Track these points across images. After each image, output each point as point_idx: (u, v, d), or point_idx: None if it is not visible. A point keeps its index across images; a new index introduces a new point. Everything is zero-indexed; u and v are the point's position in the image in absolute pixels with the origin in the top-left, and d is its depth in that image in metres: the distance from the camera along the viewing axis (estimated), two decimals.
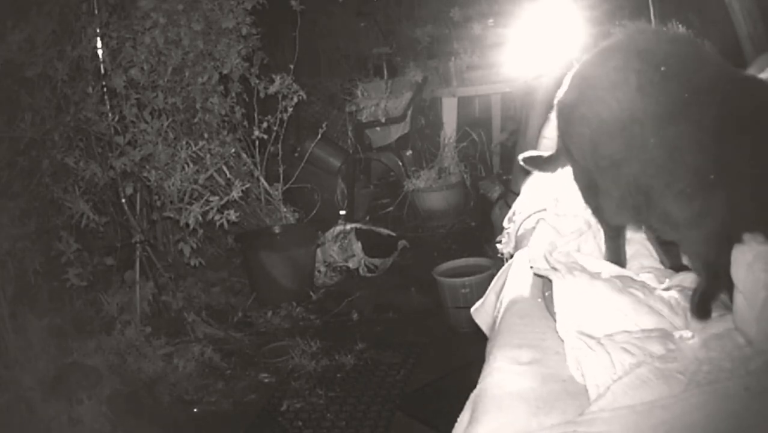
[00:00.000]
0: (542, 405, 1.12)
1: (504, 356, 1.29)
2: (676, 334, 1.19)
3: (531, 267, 1.49)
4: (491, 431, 1.09)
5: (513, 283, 1.64)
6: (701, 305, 1.26)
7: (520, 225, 1.96)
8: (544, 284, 1.48)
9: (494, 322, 1.58)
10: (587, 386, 1.12)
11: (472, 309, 1.82)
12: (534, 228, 1.74)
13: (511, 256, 1.89)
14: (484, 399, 1.17)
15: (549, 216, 1.67)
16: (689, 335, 1.18)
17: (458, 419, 1.21)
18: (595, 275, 1.35)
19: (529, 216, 1.93)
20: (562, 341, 1.23)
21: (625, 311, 1.26)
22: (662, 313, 1.27)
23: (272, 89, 4.19)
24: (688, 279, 1.38)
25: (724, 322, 1.20)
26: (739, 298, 1.16)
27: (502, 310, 1.55)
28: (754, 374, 1.06)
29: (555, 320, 1.30)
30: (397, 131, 5.53)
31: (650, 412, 1.01)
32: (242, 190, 3.80)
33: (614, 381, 1.08)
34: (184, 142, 3.67)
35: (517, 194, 2.32)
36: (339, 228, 4.50)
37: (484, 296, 1.80)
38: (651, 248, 1.58)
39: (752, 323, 1.13)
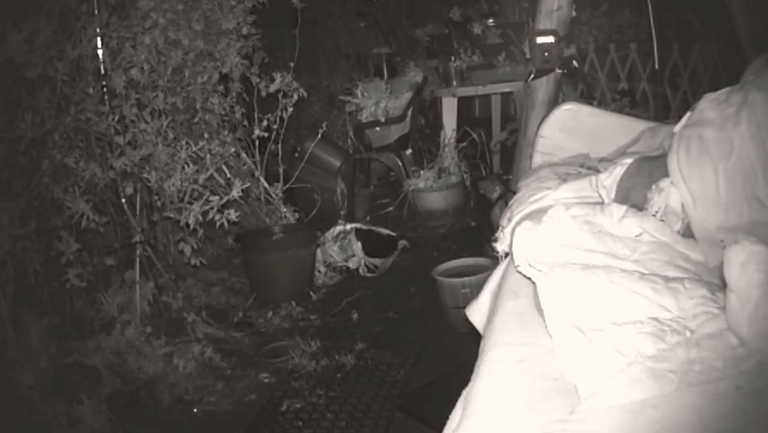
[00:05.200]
0: (533, 403, 1.13)
1: (496, 354, 1.30)
2: (668, 332, 1.19)
3: (516, 266, 1.50)
4: (482, 429, 1.10)
5: (507, 281, 1.64)
6: None
7: (515, 224, 1.97)
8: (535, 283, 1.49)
9: (488, 320, 1.58)
10: (578, 385, 1.12)
11: (467, 308, 1.83)
12: None
13: (506, 254, 1.89)
14: (475, 397, 1.18)
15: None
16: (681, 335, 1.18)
17: (450, 416, 1.21)
18: (585, 267, 1.35)
19: (525, 215, 1.93)
20: (552, 338, 1.24)
21: (610, 300, 1.26)
22: (648, 296, 1.28)
23: (273, 88, 4.19)
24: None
25: (717, 322, 1.21)
26: (732, 298, 1.16)
27: (495, 309, 1.56)
28: (745, 374, 1.07)
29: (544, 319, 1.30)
30: (397, 131, 5.53)
31: (641, 411, 1.01)
32: (242, 190, 3.80)
33: (605, 380, 1.08)
34: (184, 142, 3.67)
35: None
36: (339, 228, 4.50)
37: (479, 295, 1.81)
38: None
39: (744, 323, 1.13)
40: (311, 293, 4.08)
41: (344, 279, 4.35)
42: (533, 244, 1.52)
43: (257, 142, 4.34)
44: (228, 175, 4.01)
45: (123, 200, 3.59)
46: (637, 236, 1.63)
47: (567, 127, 2.81)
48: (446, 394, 2.83)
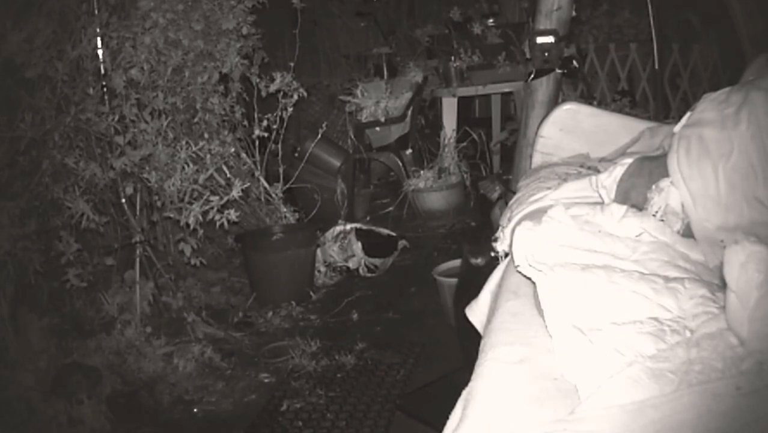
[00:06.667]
0: (533, 403, 1.13)
1: (496, 353, 1.30)
2: (668, 332, 1.19)
3: (516, 266, 1.51)
4: (482, 429, 1.10)
5: (507, 281, 1.64)
6: None
7: (515, 223, 1.97)
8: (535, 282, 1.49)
9: (488, 320, 1.59)
10: (578, 385, 1.13)
11: (467, 308, 1.83)
12: None
13: (506, 254, 1.90)
14: (475, 397, 1.18)
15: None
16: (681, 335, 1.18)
17: (450, 416, 1.22)
18: (585, 267, 1.36)
19: (525, 214, 1.94)
20: (552, 338, 1.24)
21: (610, 300, 1.26)
22: (648, 296, 1.28)
23: (273, 88, 4.19)
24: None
25: (717, 322, 1.21)
26: (731, 298, 1.16)
27: (495, 308, 1.56)
28: (745, 375, 1.07)
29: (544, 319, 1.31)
30: (397, 131, 5.53)
31: (641, 411, 1.01)
32: (242, 190, 3.80)
33: (605, 380, 1.09)
34: (184, 142, 3.67)
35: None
36: (339, 228, 4.50)
37: (479, 295, 1.81)
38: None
39: (744, 322, 1.13)
40: (311, 293, 4.08)
41: (344, 279, 4.35)
42: (533, 244, 1.52)
43: (257, 142, 4.35)
44: (228, 175, 4.01)
45: (123, 200, 3.59)
46: (637, 236, 1.63)
47: (567, 127, 2.81)
48: (446, 394, 2.84)
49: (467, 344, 2.50)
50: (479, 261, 2.65)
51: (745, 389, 1.03)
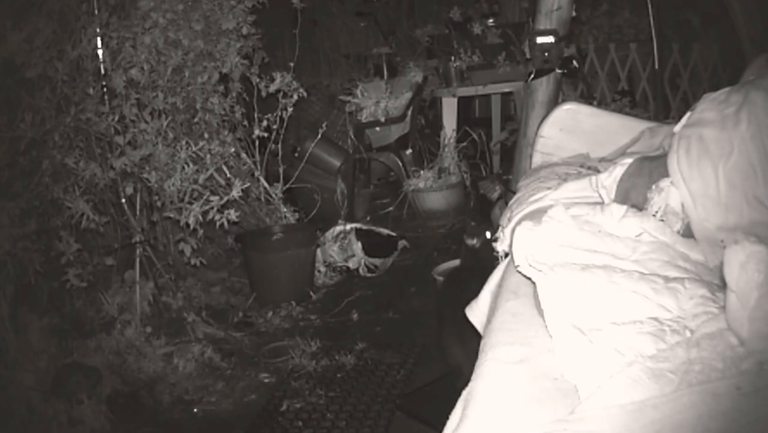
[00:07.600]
0: (533, 403, 1.13)
1: (496, 353, 1.30)
2: (668, 332, 1.19)
3: (516, 266, 1.51)
4: (482, 429, 1.10)
5: (507, 281, 1.65)
6: None
7: (515, 223, 1.97)
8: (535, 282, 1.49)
9: (488, 320, 1.59)
10: (578, 385, 1.13)
11: (467, 308, 1.83)
12: None
13: (506, 254, 1.90)
14: (475, 397, 1.18)
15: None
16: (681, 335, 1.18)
17: (450, 416, 1.22)
18: (585, 267, 1.36)
19: (525, 214, 1.94)
20: (552, 338, 1.24)
21: (610, 300, 1.26)
22: (648, 296, 1.28)
23: (273, 88, 4.19)
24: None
25: (717, 322, 1.21)
26: (731, 298, 1.16)
27: (495, 308, 1.56)
28: (745, 375, 1.07)
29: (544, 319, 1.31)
30: (397, 131, 5.53)
31: (641, 411, 1.01)
32: (242, 190, 3.79)
33: (605, 380, 1.09)
34: (184, 142, 3.66)
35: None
36: (339, 228, 4.49)
37: (479, 295, 1.81)
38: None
39: (744, 322, 1.13)
40: (311, 293, 4.08)
41: (344, 279, 4.35)
42: (533, 244, 1.52)
43: (257, 142, 4.34)
44: (228, 175, 4.01)
45: (123, 200, 3.59)
46: (637, 236, 1.63)
47: (567, 127, 2.81)
48: (446, 394, 2.83)
49: (445, 314, 2.50)
50: (474, 242, 2.67)
51: (745, 389, 1.03)
